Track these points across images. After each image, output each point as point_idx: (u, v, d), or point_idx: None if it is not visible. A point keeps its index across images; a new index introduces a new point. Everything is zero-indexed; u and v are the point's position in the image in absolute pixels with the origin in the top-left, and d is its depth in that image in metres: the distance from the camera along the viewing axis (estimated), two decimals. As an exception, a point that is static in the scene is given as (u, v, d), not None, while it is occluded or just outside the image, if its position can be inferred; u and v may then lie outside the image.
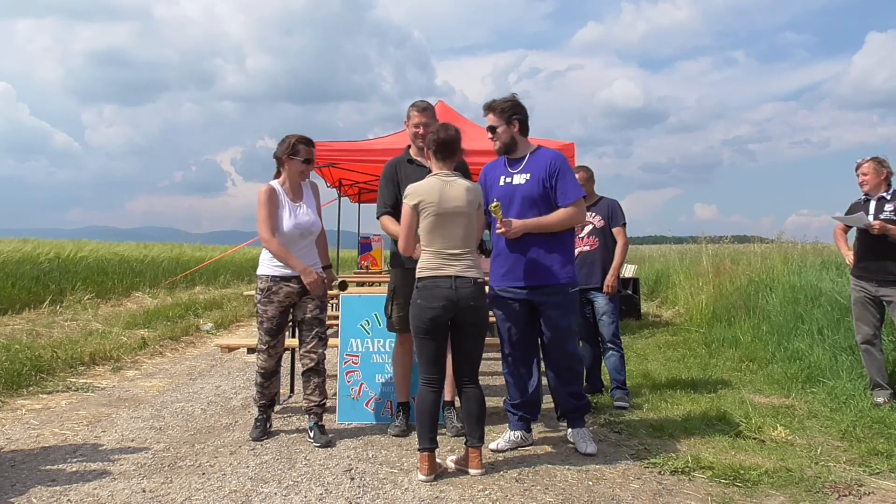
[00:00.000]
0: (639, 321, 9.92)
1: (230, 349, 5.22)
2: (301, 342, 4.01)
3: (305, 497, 3.04)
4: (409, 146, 4.17)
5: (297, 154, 3.92)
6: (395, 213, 3.82)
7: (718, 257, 11.35)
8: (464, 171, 3.95)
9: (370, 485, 3.19)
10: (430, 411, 3.32)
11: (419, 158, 4.04)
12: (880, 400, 4.54)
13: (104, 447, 3.80)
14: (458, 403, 3.78)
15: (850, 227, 5.00)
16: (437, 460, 3.34)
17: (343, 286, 4.18)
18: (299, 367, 4.15)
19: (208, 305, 11.34)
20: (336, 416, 4.33)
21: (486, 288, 3.87)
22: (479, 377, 3.50)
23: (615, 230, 4.99)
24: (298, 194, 4.00)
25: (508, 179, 3.75)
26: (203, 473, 3.35)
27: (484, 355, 3.63)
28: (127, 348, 6.99)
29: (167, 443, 3.88)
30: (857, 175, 4.76)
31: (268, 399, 4.06)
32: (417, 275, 3.41)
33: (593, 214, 5.01)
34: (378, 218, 4.08)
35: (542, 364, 3.85)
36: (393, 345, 4.30)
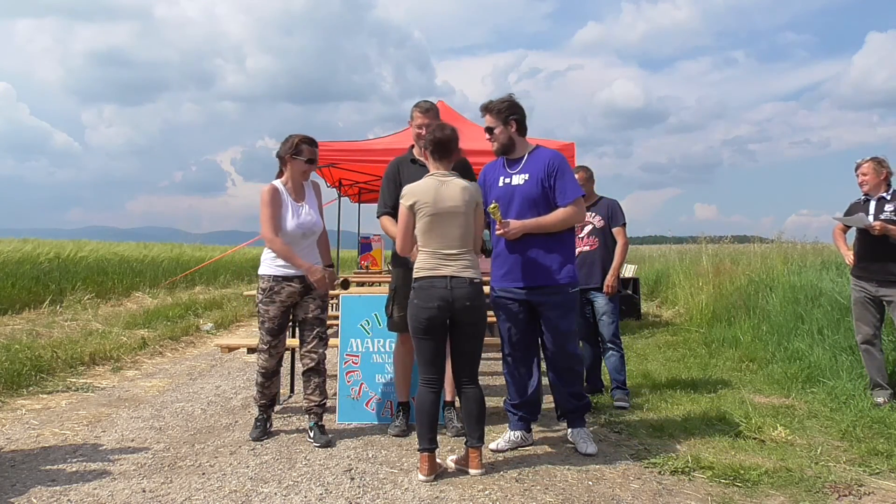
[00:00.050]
0: (639, 321, 9.92)
1: (230, 349, 5.22)
2: (302, 342, 4.01)
3: (305, 497, 3.04)
4: (413, 146, 4.17)
5: (301, 154, 3.92)
6: (396, 213, 3.83)
7: (718, 257, 11.36)
8: (466, 170, 3.95)
9: (370, 485, 3.19)
10: (430, 411, 3.32)
11: (422, 158, 4.05)
12: (880, 400, 4.54)
13: (104, 447, 3.80)
14: (458, 403, 3.78)
15: (849, 227, 5.00)
16: (437, 460, 3.34)
17: (346, 284, 4.19)
18: (299, 367, 4.15)
19: (208, 305, 11.34)
20: (336, 416, 4.33)
21: (487, 288, 3.87)
22: (479, 377, 3.50)
23: (615, 230, 4.99)
24: (301, 194, 4.00)
25: (507, 180, 3.74)
26: (203, 473, 3.35)
27: (484, 355, 3.63)
28: (127, 348, 6.99)
29: (167, 443, 3.88)
30: (857, 175, 4.76)
31: (268, 399, 4.06)
32: (414, 275, 3.41)
33: (593, 214, 5.01)
34: (378, 217, 4.09)
35: (543, 364, 3.85)
36: (393, 345, 4.30)
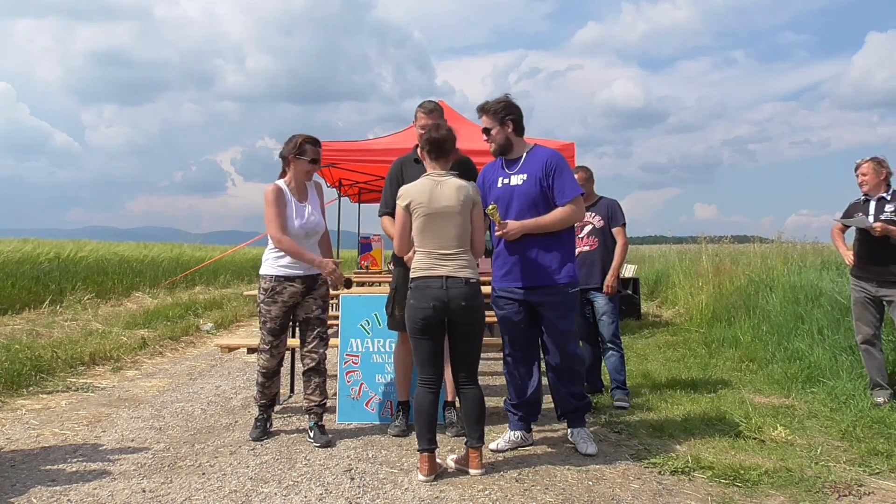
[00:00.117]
0: (639, 321, 9.92)
1: (230, 349, 5.22)
2: (302, 342, 4.01)
3: (305, 497, 3.04)
4: (417, 146, 4.18)
5: (304, 154, 3.92)
6: None
7: (718, 257, 11.35)
8: (467, 169, 3.95)
9: (370, 485, 3.19)
10: (428, 411, 3.32)
11: None
12: (880, 400, 4.54)
13: (104, 447, 3.80)
14: (458, 404, 3.78)
15: (847, 227, 5.00)
16: (438, 460, 3.34)
17: (348, 284, 4.21)
18: (299, 367, 4.14)
19: (208, 305, 11.34)
20: (336, 416, 4.33)
21: (488, 288, 3.87)
22: (479, 377, 3.50)
23: (615, 230, 4.99)
24: (304, 194, 4.00)
25: (506, 181, 3.74)
26: (203, 473, 3.35)
27: (484, 355, 3.63)
28: (127, 348, 6.99)
29: (167, 443, 3.88)
30: (857, 175, 4.75)
31: (268, 399, 4.06)
32: (411, 275, 3.41)
33: (593, 214, 5.01)
34: (380, 217, 4.10)
35: (543, 364, 3.85)
36: (393, 345, 4.31)
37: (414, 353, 3.47)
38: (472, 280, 3.34)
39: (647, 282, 14.33)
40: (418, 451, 3.29)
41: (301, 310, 3.98)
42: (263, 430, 4.00)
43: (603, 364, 5.08)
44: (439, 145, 3.43)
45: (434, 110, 4.04)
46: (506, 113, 3.71)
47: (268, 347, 3.96)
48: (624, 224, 5.02)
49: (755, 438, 3.90)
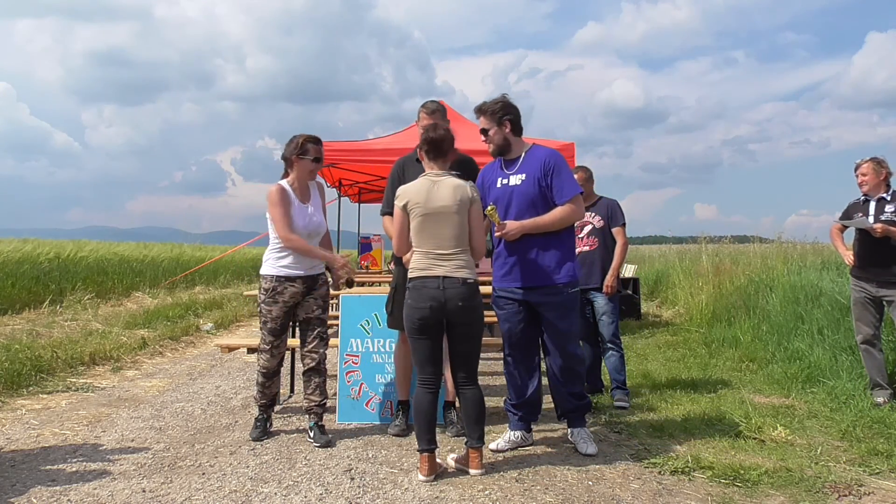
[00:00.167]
0: (639, 321, 9.92)
1: (230, 349, 5.22)
2: (303, 342, 4.01)
3: (305, 497, 3.04)
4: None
5: (307, 153, 3.92)
6: None
7: (718, 257, 11.35)
8: (470, 169, 3.95)
9: (370, 485, 3.19)
10: (427, 411, 3.32)
11: None
12: (880, 400, 4.54)
13: (104, 447, 3.80)
14: (458, 404, 3.78)
15: (846, 227, 5.00)
16: (438, 460, 3.35)
17: (350, 283, 4.22)
18: (299, 367, 4.14)
19: (208, 305, 11.34)
20: (336, 416, 4.33)
21: (488, 289, 3.86)
22: (480, 377, 3.50)
23: (615, 230, 4.99)
24: (306, 195, 4.00)
25: (505, 181, 3.73)
26: (203, 473, 3.35)
27: (483, 355, 3.63)
28: (127, 348, 6.99)
29: (167, 443, 3.88)
30: (857, 175, 4.75)
31: (269, 399, 4.06)
32: (408, 275, 3.41)
33: (592, 215, 5.01)
34: (381, 216, 4.11)
35: (543, 364, 3.85)
36: (393, 345, 4.31)
37: (412, 353, 3.46)
38: (469, 280, 3.33)
39: (647, 282, 14.33)
40: (418, 451, 3.29)
41: (301, 310, 3.98)
42: (263, 430, 4.00)
43: (603, 364, 5.08)
44: (437, 145, 3.43)
45: (437, 111, 4.04)
46: (503, 113, 3.70)
47: (268, 347, 3.96)
48: (624, 224, 5.02)
49: (755, 438, 3.90)
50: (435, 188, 3.35)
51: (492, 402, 4.36)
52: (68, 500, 3.00)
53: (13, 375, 5.26)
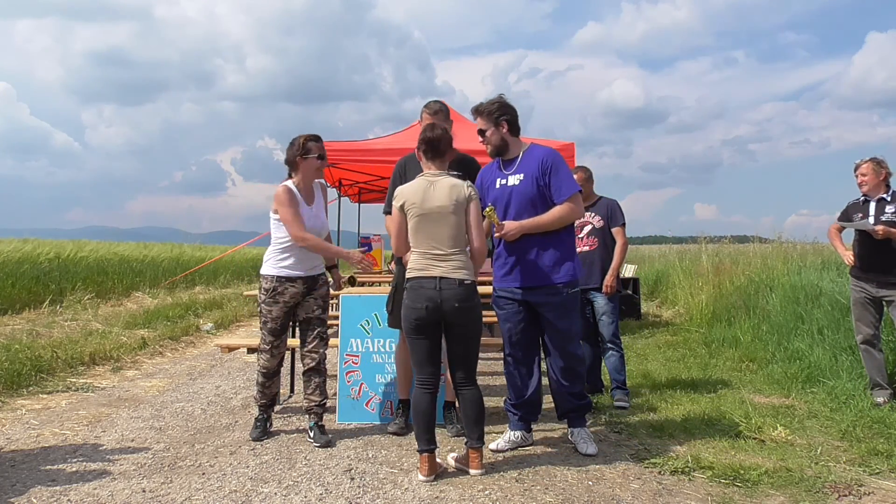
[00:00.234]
0: (639, 321, 9.92)
1: (230, 349, 5.22)
2: (303, 342, 4.01)
3: (305, 497, 3.04)
4: None
5: (310, 152, 3.92)
6: None
7: (718, 257, 11.36)
8: (471, 168, 3.95)
9: (370, 485, 3.19)
10: (426, 411, 3.31)
11: None
12: (880, 400, 4.54)
13: (104, 447, 3.80)
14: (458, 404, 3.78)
15: (844, 227, 4.99)
16: (438, 460, 3.35)
17: (352, 281, 4.24)
18: (299, 367, 4.14)
19: (208, 305, 11.35)
20: (336, 416, 4.33)
21: (489, 289, 3.86)
22: (480, 377, 3.50)
23: (614, 230, 4.99)
24: (311, 197, 4.01)
25: (503, 181, 3.73)
26: (203, 473, 3.35)
27: (483, 355, 3.63)
28: (127, 348, 6.99)
29: (167, 443, 3.88)
30: (856, 176, 4.75)
31: (269, 399, 4.06)
32: (406, 275, 3.41)
33: (592, 215, 5.01)
34: (384, 214, 4.12)
35: (543, 364, 3.85)
36: (393, 345, 4.31)
37: (410, 353, 3.46)
38: (466, 281, 3.31)
39: (647, 282, 14.33)
40: (418, 451, 3.29)
41: (301, 310, 3.98)
42: (263, 430, 4.00)
43: (603, 364, 5.08)
44: (434, 145, 3.43)
45: (439, 111, 4.05)
46: (500, 114, 3.70)
47: (268, 347, 3.96)
48: (623, 224, 5.02)
49: (755, 438, 3.90)
50: (432, 188, 3.35)
51: (492, 402, 4.36)
52: (68, 500, 3.00)
53: (13, 375, 5.27)
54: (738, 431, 4.00)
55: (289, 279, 3.90)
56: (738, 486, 3.18)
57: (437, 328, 3.34)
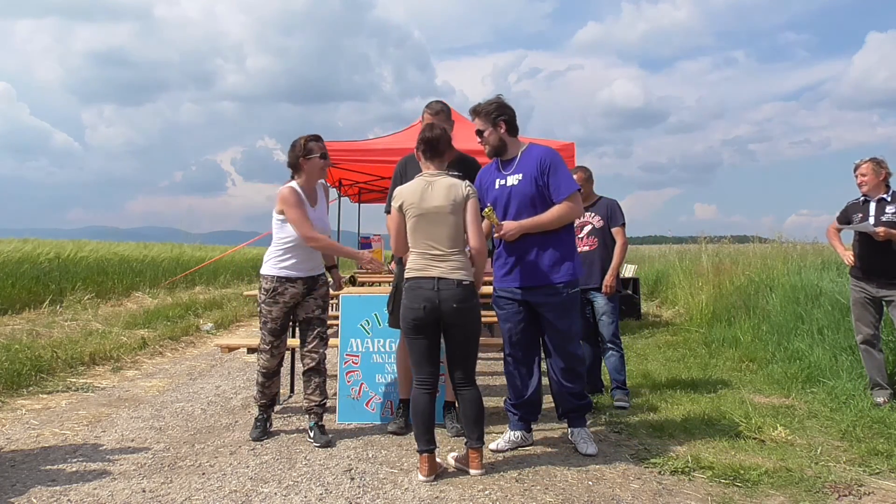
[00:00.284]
0: (639, 321, 9.92)
1: (230, 349, 5.22)
2: (302, 342, 4.01)
3: (305, 497, 3.04)
4: None
5: (312, 153, 3.92)
6: None
7: (718, 257, 11.36)
8: (471, 168, 3.94)
9: (370, 485, 3.19)
10: (425, 412, 3.31)
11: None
12: (880, 400, 4.54)
13: (104, 447, 3.80)
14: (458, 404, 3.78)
15: (842, 230, 4.99)
16: (438, 460, 3.35)
17: (353, 281, 4.25)
18: (299, 367, 4.14)
19: (208, 305, 11.34)
20: (336, 416, 4.33)
21: (489, 289, 3.86)
22: (479, 377, 3.49)
23: (614, 230, 4.99)
24: (314, 198, 4.01)
25: (502, 182, 3.73)
26: (203, 473, 3.35)
27: (483, 355, 3.63)
28: (127, 348, 6.99)
29: (167, 443, 3.88)
30: (856, 176, 4.75)
31: (268, 399, 4.06)
32: (405, 275, 3.41)
33: (592, 215, 5.01)
34: (385, 213, 4.12)
35: (543, 364, 3.85)
36: (393, 345, 4.31)
37: (409, 354, 3.46)
38: (464, 282, 3.31)
39: (647, 282, 14.32)
40: (418, 451, 3.29)
41: (301, 310, 3.98)
42: (263, 430, 4.00)
43: (603, 364, 5.08)
44: (432, 145, 3.43)
45: (441, 112, 4.05)
46: (498, 114, 3.70)
47: (268, 347, 3.96)
48: (623, 224, 5.02)
49: (755, 438, 3.90)
50: (429, 189, 3.35)
51: (492, 402, 4.36)
52: (68, 500, 3.00)
53: (13, 375, 5.27)
54: (738, 431, 4.00)
55: (289, 279, 3.90)
56: (738, 486, 3.18)
57: (435, 328, 3.34)
